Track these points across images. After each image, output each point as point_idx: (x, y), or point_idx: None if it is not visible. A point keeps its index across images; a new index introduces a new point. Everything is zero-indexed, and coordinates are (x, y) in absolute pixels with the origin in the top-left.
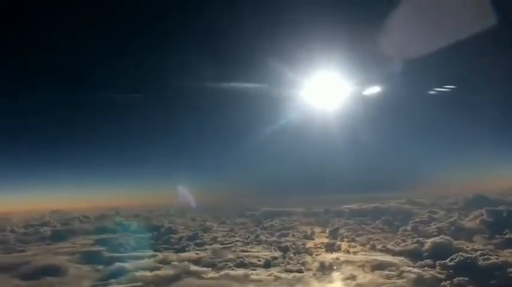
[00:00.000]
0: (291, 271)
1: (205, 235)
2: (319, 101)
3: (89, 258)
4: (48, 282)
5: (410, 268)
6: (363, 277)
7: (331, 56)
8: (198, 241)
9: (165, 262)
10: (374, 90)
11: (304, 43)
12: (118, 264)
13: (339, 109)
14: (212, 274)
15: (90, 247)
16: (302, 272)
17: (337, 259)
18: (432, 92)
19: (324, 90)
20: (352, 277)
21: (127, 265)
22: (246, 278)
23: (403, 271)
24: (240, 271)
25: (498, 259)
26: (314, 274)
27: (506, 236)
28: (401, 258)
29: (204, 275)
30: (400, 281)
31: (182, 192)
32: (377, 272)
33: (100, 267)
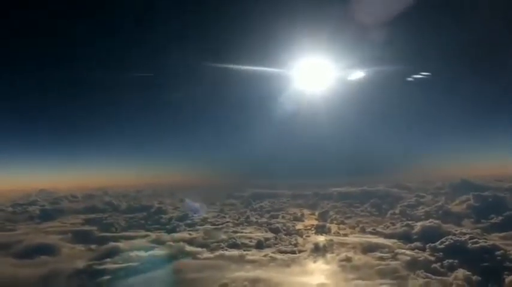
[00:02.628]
0: (285, 252)
1: (195, 215)
2: (308, 86)
3: (81, 237)
4: (43, 261)
5: (404, 251)
6: (358, 258)
7: (319, 42)
8: (188, 221)
9: (159, 242)
10: (363, 75)
11: (294, 29)
12: (112, 243)
13: (328, 94)
14: (207, 254)
15: (81, 226)
16: (295, 253)
17: (331, 240)
18: (419, 78)
19: (313, 75)
20: (348, 259)
21: (121, 244)
22: (241, 259)
23: (397, 253)
24: (234, 252)
25: (486, 242)
26: (309, 255)
27: (492, 220)
28: (393, 240)
29: (199, 256)
30: (394, 263)
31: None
32: (370, 254)
33: (93, 246)
